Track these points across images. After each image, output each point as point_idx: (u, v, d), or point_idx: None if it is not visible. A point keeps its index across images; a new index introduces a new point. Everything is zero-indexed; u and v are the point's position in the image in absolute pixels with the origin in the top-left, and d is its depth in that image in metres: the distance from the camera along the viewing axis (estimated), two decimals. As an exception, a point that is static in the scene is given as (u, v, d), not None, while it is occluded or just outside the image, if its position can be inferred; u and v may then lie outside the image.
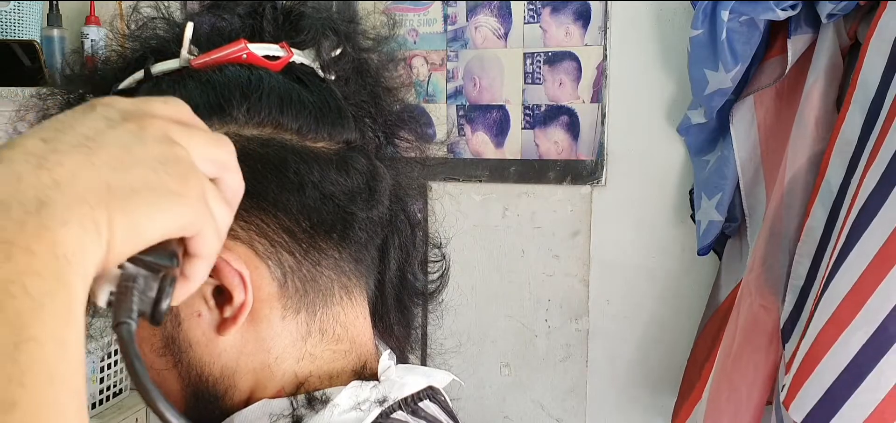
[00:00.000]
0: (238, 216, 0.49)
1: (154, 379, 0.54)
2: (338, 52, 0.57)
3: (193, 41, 0.53)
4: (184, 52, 0.53)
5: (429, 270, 0.66)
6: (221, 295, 0.50)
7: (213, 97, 0.51)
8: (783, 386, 1.21)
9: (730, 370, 1.43)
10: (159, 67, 0.53)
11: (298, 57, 0.55)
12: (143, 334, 0.53)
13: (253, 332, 0.51)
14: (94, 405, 1.65)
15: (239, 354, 0.52)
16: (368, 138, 0.58)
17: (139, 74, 0.53)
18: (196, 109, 0.50)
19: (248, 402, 0.52)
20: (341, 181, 0.53)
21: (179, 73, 0.53)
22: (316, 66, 0.56)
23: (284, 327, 0.52)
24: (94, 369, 1.64)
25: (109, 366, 1.68)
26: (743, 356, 1.42)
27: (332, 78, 0.57)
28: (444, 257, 0.67)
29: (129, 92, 0.53)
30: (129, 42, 0.56)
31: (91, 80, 0.56)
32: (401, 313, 0.63)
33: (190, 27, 0.53)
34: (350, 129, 0.55)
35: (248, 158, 0.50)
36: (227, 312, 0.50)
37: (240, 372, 0.52)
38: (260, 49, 0.53)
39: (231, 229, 0.49)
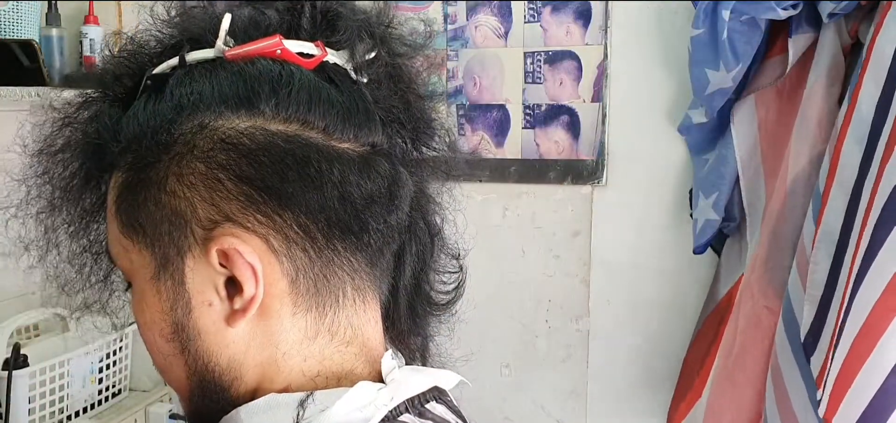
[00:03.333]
0: (255, 210, 0.50)
1: (161, 365, 0.55)
2: (372, 55, 0.57)
3: (230, 33, 0.53)
4: (219, 42, 0.53)
5: (444, 280, 0.66)
6: (233, 286, 0.51)
7: (242, 89, 0.52)
8: (819, 400, 1.16)
9: (731, 369, 1.43)
10: (194, 55, 0.54)
11: (332, 57, 0.55)
12: (153, 319, 0.53)
13: (262, 326, 0.52)
14: (93, 406, 1.65)
15: (247, 346, 0.52)
16: (396, 143, 0.58)
17: (174, 61, 0.54)
18: (225, 100, 0.51)
19: (253, 396, 0.53)
20: (362, 183, 0.53)
21: (212, 62, 0.53)
22: (349, 67, 0.56)
23: (294, 324, 0.52)
24: (94, 369, 1.64)
25: (109, 366, 1.68)
26: (745, 356, 1.41)
27: (365, 81, 0.57)
28: (461, 269, 0.67)
29: (163, 77, 0.53)
30: (166, 28, 0.56)
31: (125, 64, 0.56)
32: (413, 321, 0.63)
33: (227, 18, 0.53)
34: (377, 132, 0.56)
35: (271, 152, 0.50)
36: (238, 303, 0.51)
37: (246, 365, 0.53)
38: (294, 46, 0.54)
39: (247, 222, 0.50)
